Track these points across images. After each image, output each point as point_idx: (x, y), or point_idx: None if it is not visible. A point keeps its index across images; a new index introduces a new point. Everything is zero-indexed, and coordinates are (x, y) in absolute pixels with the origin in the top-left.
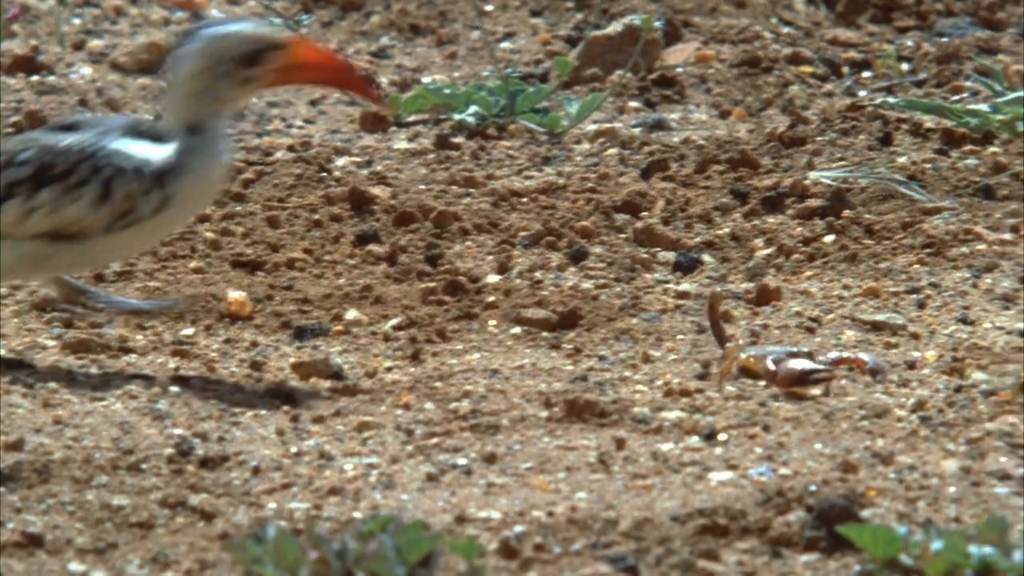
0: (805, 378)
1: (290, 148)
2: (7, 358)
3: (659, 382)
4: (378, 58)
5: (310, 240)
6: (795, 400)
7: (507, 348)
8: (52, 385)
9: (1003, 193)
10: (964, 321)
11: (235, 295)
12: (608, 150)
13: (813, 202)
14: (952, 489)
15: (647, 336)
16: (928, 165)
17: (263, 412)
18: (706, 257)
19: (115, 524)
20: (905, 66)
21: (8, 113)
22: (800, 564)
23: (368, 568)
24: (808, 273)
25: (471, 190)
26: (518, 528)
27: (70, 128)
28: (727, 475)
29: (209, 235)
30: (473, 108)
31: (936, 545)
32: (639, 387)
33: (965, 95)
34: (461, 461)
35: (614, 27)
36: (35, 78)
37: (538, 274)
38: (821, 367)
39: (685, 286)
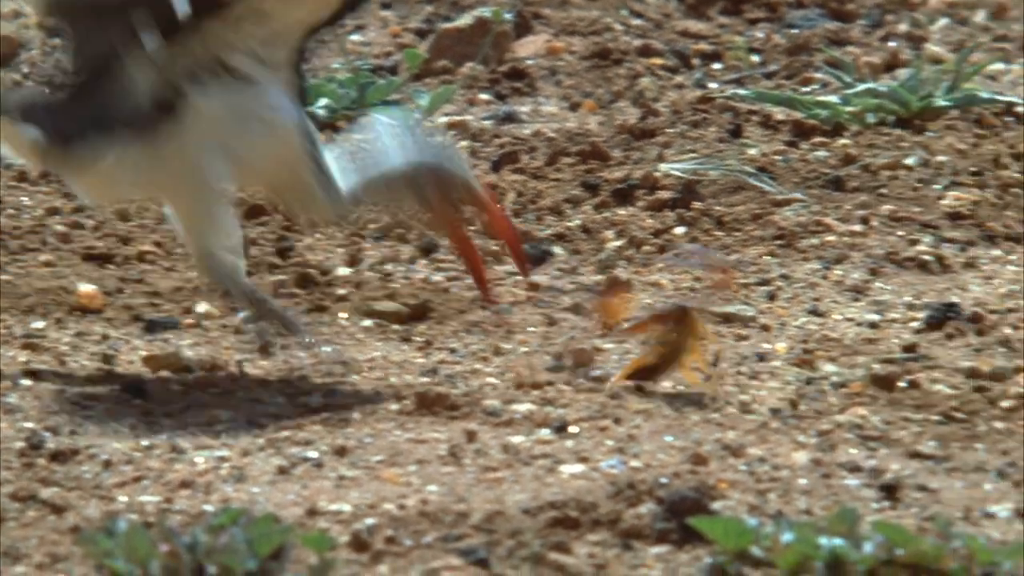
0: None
1: None
2: None
3: (510, 374)
4: None
5: (160, 233)
6: (644, 394)
7: (358, 341)
8: None
9: (853, 185)
10: (814, 313)
11: (85, 288)
12: (458, 143)
13: (663, 194)
14: (803, 481)
15: (498, 328)
16: (778, 157)
17: (114, 406)
18: (556, 249)
19: None
20: (755, 58)
21: None
22: (651, 556)
23: (219, 561)
24: (659, 265)
25: None
26: (369, 521)
27: None
28: (578, 468)
29: (59, 228)
30: (323, 101)
31: (787, 537)
32: (490, 379)
33: (815, 87)
34: (312, 454)
35: (464, 19)
36: None
37: (389, 266)
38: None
39: (535, 278)
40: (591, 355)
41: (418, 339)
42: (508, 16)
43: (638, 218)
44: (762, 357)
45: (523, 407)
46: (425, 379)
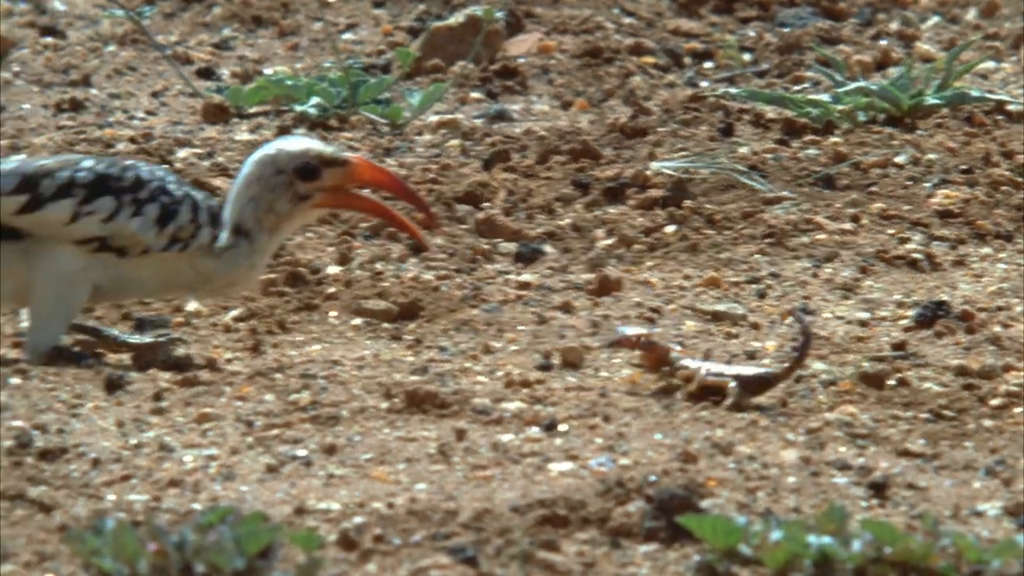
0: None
1: (132, 140)
2: None
3: (500, 373)
4: (220, 49)
5: None
6: (634, 395)
7: (348, 339)
8: None
9: (843, 183)
10: (804, 311)
11: None
12: (450, 141)
13: (654, 192)
14: (792, 479)
15: (488, 327)
16: (769, 155)
17: (103, 404)
18: (547, 248)
19: None
20: (747, 56)
21: None
22: (640, 554)
23: (207, 560)
24: (649, 263)
25: None
26: (357, 519)
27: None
28: (567, 466)
29: None
30: (315, 99)
31: (775, 535)
32: (480, 378)
33: (806, 85)
34: (301, 452)
35: (456, 18)
36: None
37: (379, 265)
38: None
39: (526, 277)
40: (580, 354)
41: (408, 337)
42: (500, 15)
43: (629, 216)
44: (752, 355)
45: (513, 405)
46: (415, 377)
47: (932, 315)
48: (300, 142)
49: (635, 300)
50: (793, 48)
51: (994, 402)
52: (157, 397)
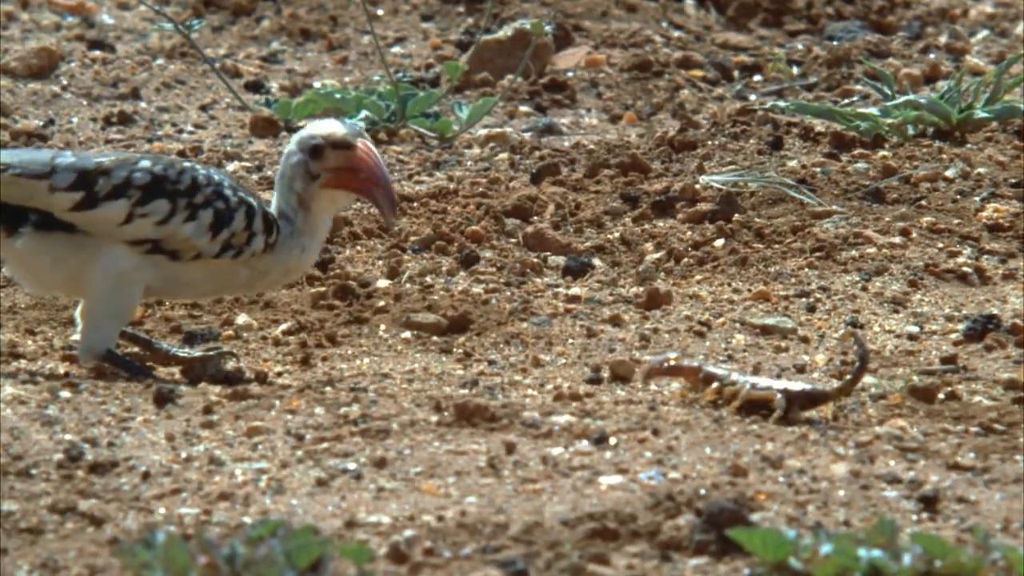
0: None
1: (180, 153)
2: None
3: (549, 386)
4: (269, 63)
5: None
6: (684, 408)
7: (397, 352)
8: None
9: (892, 197)
10: (854, 325)
11: None
12: (499, 155)
13: (703, 206)
14: (841, 492)
15: (537, 340)
16: (818, 169)
17: (153, 418)
18: (596, 261)
19: (4, 530)
20: (795, 70)
21: None
22: (690, 568)
23: (257, 573)
24: (698, 277)
25: None
26: (408, 533)
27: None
28: (617, 479)
29: None
30: (364, 113)
31: (825, 549)
32: (529, 391)
33: (855, 99)
34: (351, 466)
35: (504, 31)
36: None
37: (428, 278)
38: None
39: (575, 290)
40: (630, 367)
41: (457, 351)
42: (548, 28)
43: (678, 230)
44: (801, 369)
45: (562, 419)
46: (464, 391)
47: (982, 329)
48: (323, 125)
49: (684, 314)
50: (842, 61)
51: None
52: (207, 411)
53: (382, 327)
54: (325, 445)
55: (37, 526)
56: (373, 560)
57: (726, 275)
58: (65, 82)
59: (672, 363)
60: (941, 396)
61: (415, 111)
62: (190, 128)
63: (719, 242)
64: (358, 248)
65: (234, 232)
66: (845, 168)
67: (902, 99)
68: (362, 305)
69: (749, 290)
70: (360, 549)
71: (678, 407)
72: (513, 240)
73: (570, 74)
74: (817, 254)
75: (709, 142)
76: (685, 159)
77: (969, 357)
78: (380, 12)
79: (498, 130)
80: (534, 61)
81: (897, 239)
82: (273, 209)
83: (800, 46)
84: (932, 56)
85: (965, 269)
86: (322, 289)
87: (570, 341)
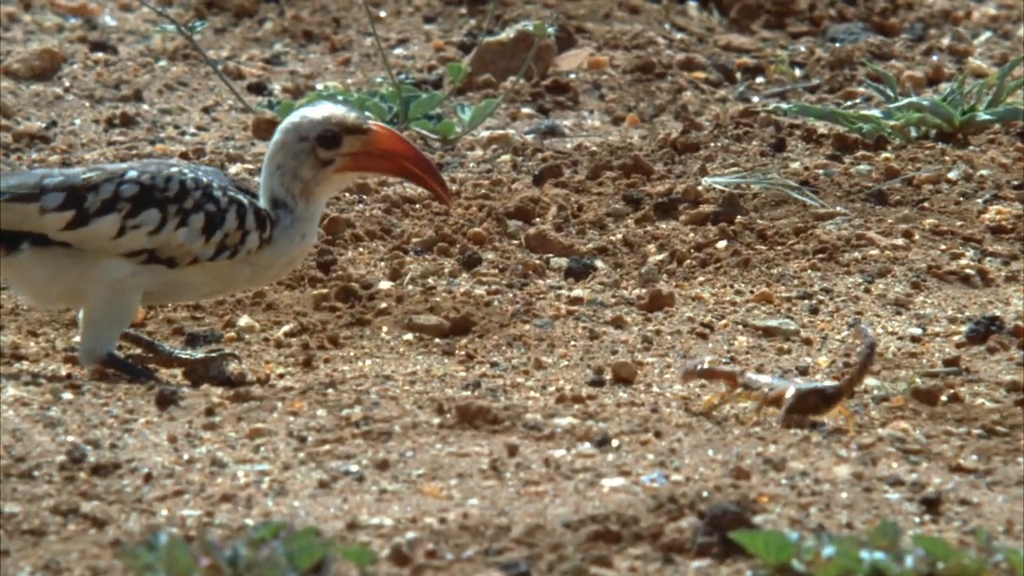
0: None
1: (183, 155)
2: None
3: (551, 388)
4: (272, 64)
5: None
6: (686, 410)
7: (399, 354)
8: None
9: (895, 198)
10: (854, 325)
11: None
12: (501, 156)
13: (706, 208)
14: (844, 495)
15: (539, 342)
16: (821, 171)
17: (155, 419)
18: (599, 263)
19: (6, 531)
20: (798, 72)
21: None
22: (692, 570)
23: (260, 575)
24: (701, 279)
25: (364, 196)
26: (410, 535)
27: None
28: (619, 481)
29: None
30: (366, 114)
31: (828, 551)
32: (531, 393)
33: (858, 101)
34: (353, 468)
35: (507, 33)
36: None
37: (431, 280)
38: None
39: (578, 292)
40: (632, 370)
41: (460, 353)
42: (551, 30)
43: (680, 232)
44: (804, 371)
45: (564, 421)
46: (467, 393)
47: (985, 331)
48: (323, 109)
49: (687, 315)
50: (844, 63)
51: None
52: (209, 412)
53: (384, 329)
54: (327, 447)
55: (39, 528)
56: (375, 562)
57: (728, 277)
58: (67, 84)
59: (707, 367)
60: (944, 398)
61: (417, 113)
62: (192, 130)
63: (721, 244)
64: (360, 250)
65: (227, 233)
66: (848, 170)
67: (905, 101)
68: (364, 307)
69: (752, 292)
70: (362, 551)
71: (680, 410)
72: (515, 242)
73: (572, 76)
74: (820, 256)
75: (712, 144)
76: (687, 161)
77: (972, 359)
78: (382, 14)
79: (500, 132)
80: (536, 63)
81: (900, 241)
82: (263, 201)
83: (803, 48)
84: (935, 58)
85: (968, 271)
86: (324, 291)
87: (572, 343)
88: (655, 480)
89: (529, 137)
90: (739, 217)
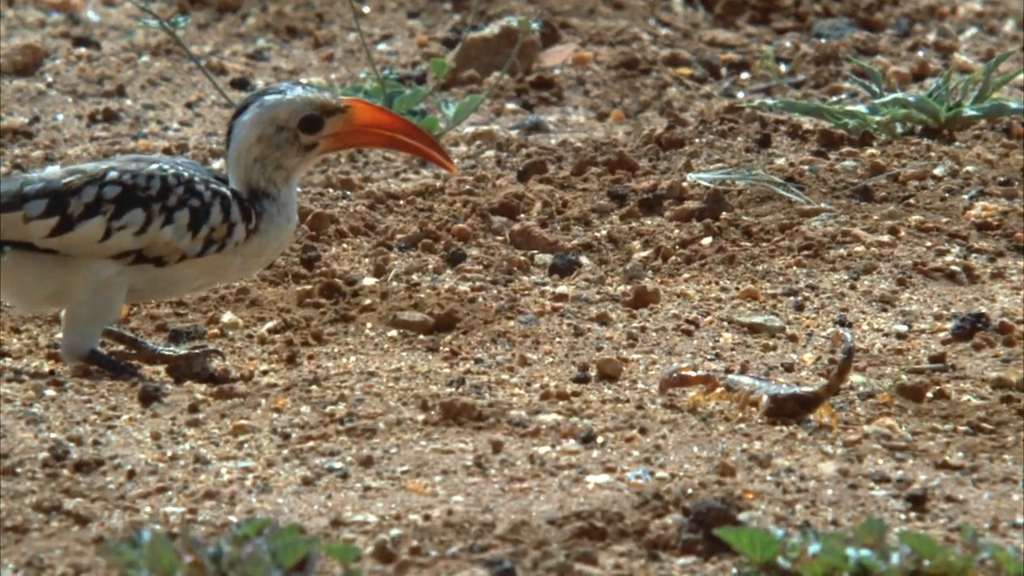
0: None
1: (166, 151)
2: None
3: (536, 385)
4: (255, 60)
5: None
6: (671, 407)
7: (384, 351)
8: None
9: (881, 195)
10: (842, 323)
11: None
12: (485, 152)
13: (691, 204)
14: (829, 492)
15: (524, 339)
16: (806, 167)
17: (138, 416)
18: (583, 259)
19: None
20: (783, 67)
21: None
22: (677, 567)
23: (243, 572)
24: (686, 275)
25: (348, 192)
26: (394, 531)
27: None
28: (604, 478)
29: None
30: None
31: (814, 548)
32: (516, 390)
33: (843, 96)
34: (337, 464)
35: (491, 29)
36: None
37: (415, 276)
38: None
39: (562, 288)
40: (617, 366)
41: (444, 349)
42: (535, 25)
43: (665, 228)
44: (789, 368)
45: (549, 417)
46: (451, 389)
47: (970, 327)
48: (294, 95)
49: (672, 312)
50: (830, 59)
51: None
52: (193, 409)
53: (368, 325)
54: (311, 444)
55: (22, 525)
56: (359, 559)
57: (714, 273)
58: (50, 79)
59: (682, 374)
60: (929, 395)
61: (401, 109)
62: (175, 126)
63: (707, 240)
64: (344, 246)
65: (213, 227)
66: (833, 166)
67: (890, 97)
68: (348, 303)
69: (737, 288)
70: (346, 548)
71: (665, 406)
72: (500, 238)
73: (557, 72)
74: (805, 252)
75: (696, 140)
76: (672, 157)
77: (958, 356)
78: (366, 9)
79: (485, 128)
80: (521, 59)
81: (885, 237)
82: (239, 189)
83: (788, 44)
84: (920, 54)
85: (953, 268)
86: (308, 287)
87: (557, 339)
88: (640, 477)
89: (513, 133)
90: (724, 213)
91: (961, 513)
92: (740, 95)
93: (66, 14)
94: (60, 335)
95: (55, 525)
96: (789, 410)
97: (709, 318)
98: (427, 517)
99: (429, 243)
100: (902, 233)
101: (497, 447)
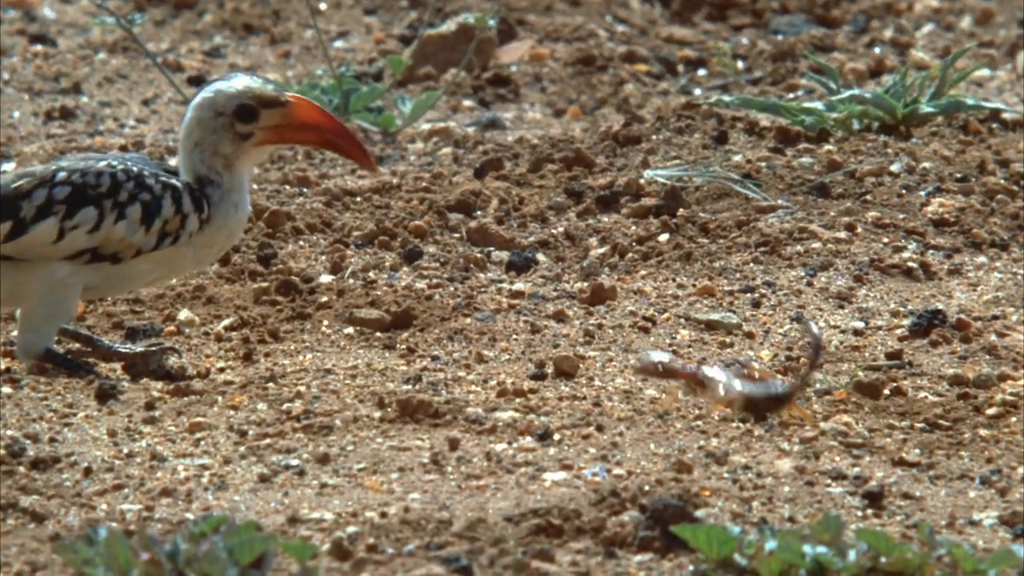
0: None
1: (122, 148)
2: None
3: (493, 382)
4: (212, 57)
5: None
6: (628, 404)
7: (340, 348)
8: None
9: (838, 191)
10: (799, 320)
11: None
12: (442, 149)
13: (648, 201)
14: (786, 488)
15: (481, 336)
16: (763, 163)
17: (94, 414)
18: (540, 256)
19: None
20: (740, 64)
21: None
22: (634, 564)
23: (200, 570)
24: (643, 272)
25: (304, 189)
26: (351, 529)
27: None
28: (561, 475)
29: None
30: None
31: (770, 545)
32: (473, 387)
33: (800, 93)
34: (294, 462)
35: (448, 26)
36: None
37: (372, 274)
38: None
39: (519, 285)
40: (574, 363)
41: (401, 347)
42: (492, 22)
43: (622, 225)
44: (746, 364)
45: (506, 415)
46: (408, 387)
47: (927, 324)
48: (238, 82)
49: (629, 309)
50: (787, 56)
51: (990, 411)
52: (149, 407)
53: (325, 323)
54: (268, 441)
55: None
56: (316, 556)
57: (671, 270)
58: (7, 76)
59: (667, 365)
60: (886, 392)
61: (358, 105)
62: (132, 123)
63: (663, 237)
64: (301, 243)
65: (166, 220)
66: (790, 163)
67: (847, 93)
68: (305, 301)
69: (694, 285)
70: (303, 545)
71: (622, 403)
72: (456, 235)
73: (514, 68)
74: (762, 249)
75: (654, 137)
76: (629, 153)
77: (914, 352)
78: (323, 6)
79: (441, 124)
80: (478, 55)
81: (842, 234)
82: (187, 178)
83: (745, 40)
84: (877, 50)
85: (910, 264)
86: (264, 284)
87: (514, 337)
88: (597, 474)
89: (470, 130)
90: (681, 210)
91: (918, 510)
92: (697, 92)
93: (23, 11)
94: (15, 334)
95: (11, 523)
96: (763, 407)
97: (666, 315)
98: (384, 515)
99: (386, 240)
100: (859, 230)
101: (454, 444)
